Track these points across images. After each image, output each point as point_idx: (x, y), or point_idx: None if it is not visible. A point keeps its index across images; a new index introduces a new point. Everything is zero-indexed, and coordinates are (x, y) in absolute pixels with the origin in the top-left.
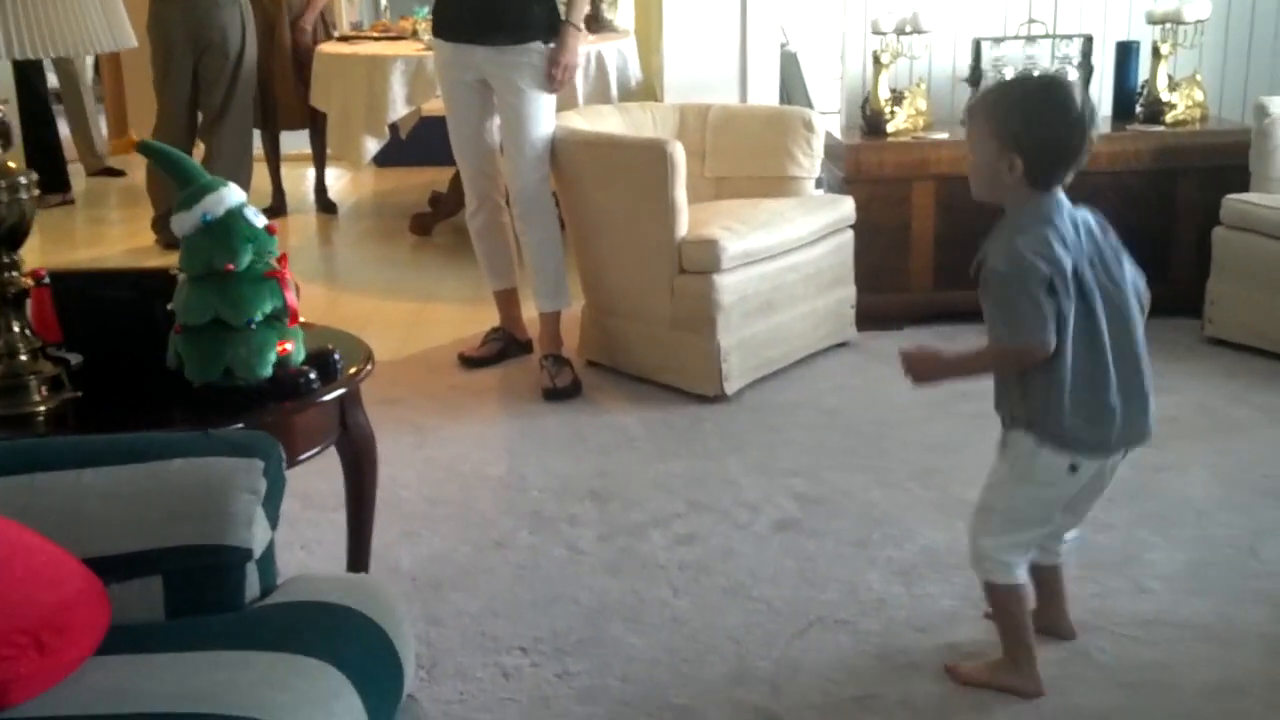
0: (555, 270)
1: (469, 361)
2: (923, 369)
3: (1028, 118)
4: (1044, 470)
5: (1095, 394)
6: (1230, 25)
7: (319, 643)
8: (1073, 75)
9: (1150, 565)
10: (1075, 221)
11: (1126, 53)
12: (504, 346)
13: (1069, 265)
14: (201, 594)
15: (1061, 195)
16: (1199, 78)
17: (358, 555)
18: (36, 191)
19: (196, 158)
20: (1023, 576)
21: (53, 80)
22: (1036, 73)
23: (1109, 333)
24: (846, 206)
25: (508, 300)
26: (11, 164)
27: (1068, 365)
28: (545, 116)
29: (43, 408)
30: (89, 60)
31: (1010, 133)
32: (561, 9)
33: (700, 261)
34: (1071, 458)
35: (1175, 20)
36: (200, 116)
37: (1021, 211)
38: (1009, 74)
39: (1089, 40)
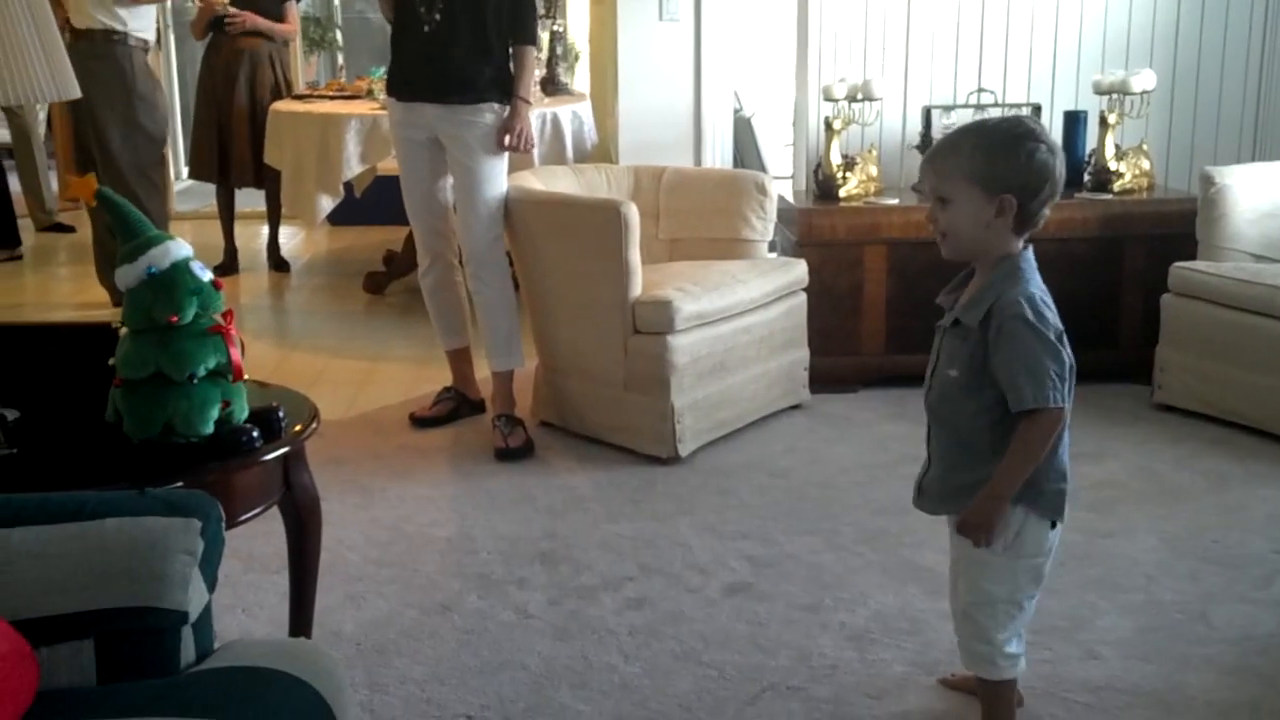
0: (508, 330)
1: (420, 421)
2: (990, 528)
3: (1012, 155)
4: (1034, 539)
5: (1063, 449)
6: (1175, 96)
7: (255, 710)
8: None
9: (1100, 631)
10: None
11: (1074, 122)
12: (456, 406)
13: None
14: (134, 658)
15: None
16: (1145, 147)
17: (300, 619)
18: None
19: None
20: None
21: (4, 135)
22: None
23: None
24: (799, 269)
25: (460, 359)
26: None
27: (1067, 431)
28: (498, 176)
29: None
30: (41, 115)
31: (997, 174)
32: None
33: (654, 322)
34: (1052, 515)
35: (1122, 91)
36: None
37: (1017, 259)
38: None
39: (1037, 109)
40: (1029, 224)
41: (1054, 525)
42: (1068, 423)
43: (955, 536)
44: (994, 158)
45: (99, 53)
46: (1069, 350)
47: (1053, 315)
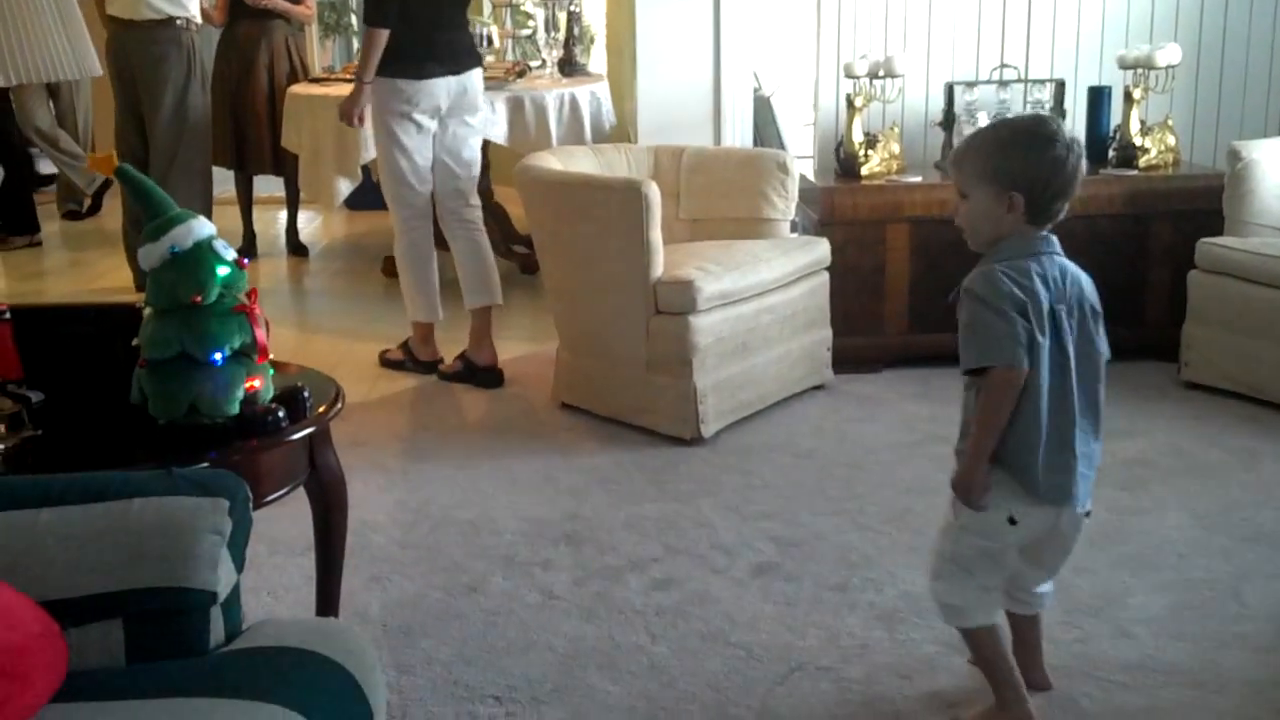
0: (406, 284)
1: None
2: (967, 487)
3: (1022, 154)
4: (981, 521)
5: (1062, 439)
6: (1201, 71)
7: (286, 689)
8: None
9: (1132, 609)
10: (1064, 270)
11: (1099, 98)
12: (465, 368)
13: (1045, 302)
14: (163, 639)
15: (1054, 240)
16: (1171, 122)
17: (326, 600)
18: None
19: None
20: (985, 618)
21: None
22: (1015, 114)
23: (1077, 386)
24: (822, 249)
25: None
26: None
27: (1041, 403)
28: (380, 144)
29: (1, 446)
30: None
31: (1006, 171)
32: (415, 49)
33: (676, 303)
34: (1009, 508)
35: (1147, 65)
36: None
37: (1008, 244)
38: (982, 118)
39: (1061, 85)
40: (1044, 217)
41: (1012, 522)
42: (1043, 403)
43: None
44: (1005, 156)
45: (163, 37)
46: (1035, 328)
47: (1012, 288)
